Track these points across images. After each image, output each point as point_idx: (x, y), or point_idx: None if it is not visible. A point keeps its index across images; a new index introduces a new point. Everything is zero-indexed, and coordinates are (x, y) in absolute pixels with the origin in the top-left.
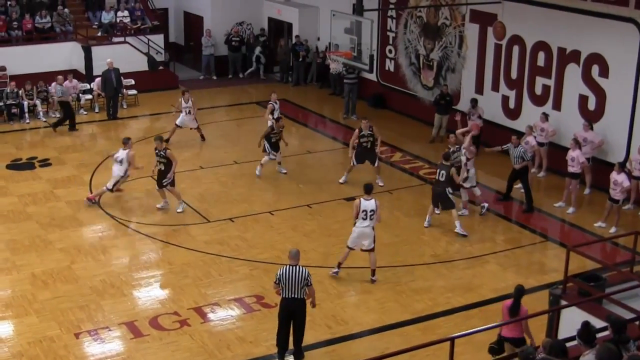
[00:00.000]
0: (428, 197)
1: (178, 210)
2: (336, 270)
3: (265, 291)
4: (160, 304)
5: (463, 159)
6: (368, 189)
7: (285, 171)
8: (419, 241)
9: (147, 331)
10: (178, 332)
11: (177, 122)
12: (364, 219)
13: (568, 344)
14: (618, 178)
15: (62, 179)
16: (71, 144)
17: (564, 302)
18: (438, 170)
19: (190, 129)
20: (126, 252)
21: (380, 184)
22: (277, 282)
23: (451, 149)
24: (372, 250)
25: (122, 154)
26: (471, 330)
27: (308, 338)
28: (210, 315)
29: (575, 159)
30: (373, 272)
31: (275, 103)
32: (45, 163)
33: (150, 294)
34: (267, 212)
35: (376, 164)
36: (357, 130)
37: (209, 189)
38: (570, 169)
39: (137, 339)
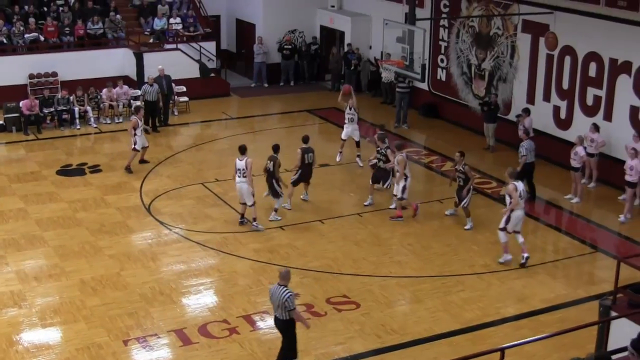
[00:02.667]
0: (479, 206)
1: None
2: (241, 220)
3: (315, 300)
4: (209, 312)
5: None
6: (241, 150)
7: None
8: (469, 251)
9: (196, 339)
10: (227, 340)
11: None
12: (238, 177)
13: (616, 356)
14: None
15: (112, 185)
16: (122, 150)
17: (614, 313)
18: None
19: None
20: (176, 260)
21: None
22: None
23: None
24: (251, 205)
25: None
26: (521, 341)
27: (357, 347)
28: (260, 324)
29: (634, 167)
30: (254, 219)
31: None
32: (95, 169)
33: (200, 301)
34: (318, 221)
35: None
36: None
37: (259, 196)
38: (628, 178)
39: (186, 347)
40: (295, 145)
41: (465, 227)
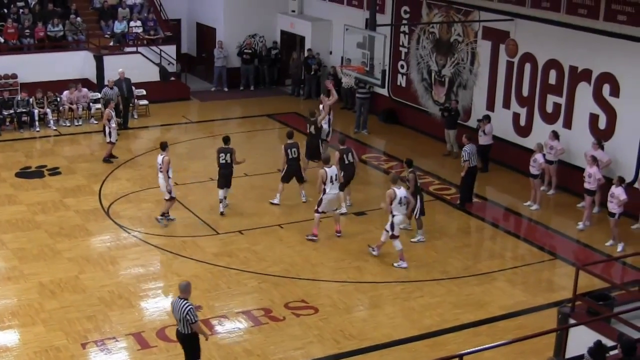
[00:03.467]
0: (438, 212)
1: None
2: (160, 218)
3: (274, 304)
4: (167, 316)
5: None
6: (162, 146)
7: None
8: (428, 257)
9: (154, 342)
10: None
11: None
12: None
13: None
14: (615, 191)
15: (71, 188)
16: (81, 152)
17: (572, 321)
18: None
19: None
20: (135, 263)
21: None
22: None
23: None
24: (167, 200)
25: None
26: (480, 347)
27: (316, 352)
28: (218, 328)
29: (592, 175)
30: (162, 213)
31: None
32: (54, 172)
33: (158, 305)
34: (277, 225)
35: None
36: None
37: (218, 200)
38: (587, 185)
39: (144, 350)
40: (257, 150)
41: (412, 240)
